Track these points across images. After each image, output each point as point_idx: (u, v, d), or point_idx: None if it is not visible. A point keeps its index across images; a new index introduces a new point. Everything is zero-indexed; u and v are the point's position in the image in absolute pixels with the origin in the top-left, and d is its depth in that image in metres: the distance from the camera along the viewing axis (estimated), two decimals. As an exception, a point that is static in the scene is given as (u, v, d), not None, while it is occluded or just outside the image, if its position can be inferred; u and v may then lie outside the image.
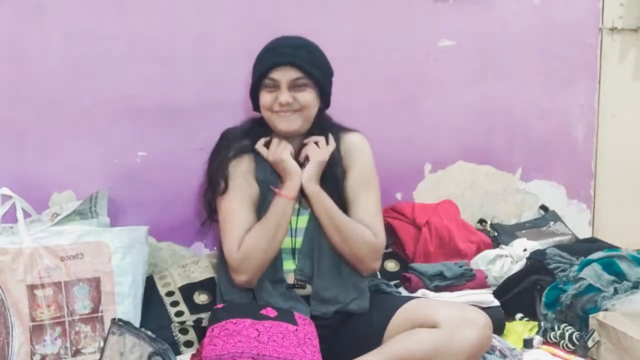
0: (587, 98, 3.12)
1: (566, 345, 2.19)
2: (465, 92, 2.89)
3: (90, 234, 2.16)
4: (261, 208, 2.01)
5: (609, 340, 2.12)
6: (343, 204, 2.03)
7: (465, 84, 2.88)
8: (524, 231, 2.92)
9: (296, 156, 2.02)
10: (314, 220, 2.02)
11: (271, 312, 1.86)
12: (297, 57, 1.97)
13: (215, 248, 2.52)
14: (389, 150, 2.61)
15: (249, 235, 1.95)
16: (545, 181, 3.11)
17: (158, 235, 2.45)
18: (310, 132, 2.04)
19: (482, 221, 2.96)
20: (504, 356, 2.07)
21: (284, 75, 1.96)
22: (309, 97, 1.99)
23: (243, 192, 2.01)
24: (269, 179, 2.03)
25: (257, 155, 2.04)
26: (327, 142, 2.03)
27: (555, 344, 2.22)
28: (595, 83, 3.13)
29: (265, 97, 1.99)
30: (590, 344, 2.14)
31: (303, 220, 2.03)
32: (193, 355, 1.95)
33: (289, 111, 1.98)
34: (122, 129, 2.38)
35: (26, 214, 2.21)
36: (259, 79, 1.99)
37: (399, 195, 2.82)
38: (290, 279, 2.03)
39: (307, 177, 1.97)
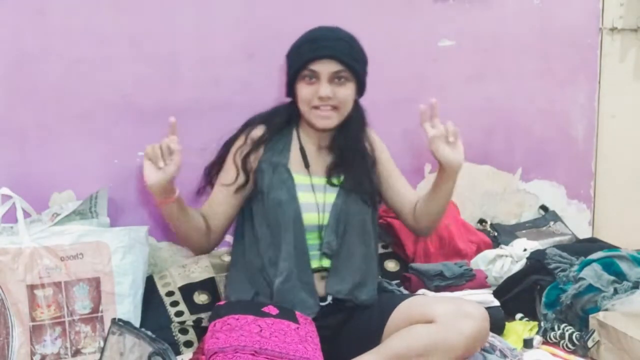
0: (587, 98, 3.12)
1: (566, 345, 2.19)
2: (465, 92, 2.89)
3: (90, 234, 2.16)
4: (270, 188, 2.02)
5: (609, 340, 2.12)
6: (373, 187, 2.10)
7: (465, 84, 2.88)
8: (524, 231, 2.92)
9: (328, 146, 2.08)
10: (342, 196, 2.05)
11: (273, 310, 1.87)
12: (337, 50, 1.98)
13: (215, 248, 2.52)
14: (389, 150, 2.61)
15: None
16: (545, 181, 3.11)
17: (158, 235, 2.45)
18: (345, 122, 2.07)
19: (482, 221, 2.96)
20: (504, 356, 2.07)
21: (325, 67, 1.97)
22: (347, 92, 2.01)
23: (228, 175, 2.05)
24: (277, 160, 2.05)
25: (269, 141, 2.06)
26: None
27: (555, 344, 2.22)
28: (595, 83, 3.13)
29: (304, 91, 1.99)
30: (590, 344, 2.14)
31: (331, 197, 2.05)
32: (194, 353, 1.95)
33: (327, 108, 1.99)
34: (122, 129, 2.38)
35: (26, 214, 2.21)
36: (297, 71, 1.98)
37: (399, 195, 2.82)
38: (316, 263, 2.03)
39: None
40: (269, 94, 2.37)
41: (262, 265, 2.01)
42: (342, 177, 2.07)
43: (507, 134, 3.01)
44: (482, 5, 2.87)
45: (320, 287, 2.02)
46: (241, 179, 2.04)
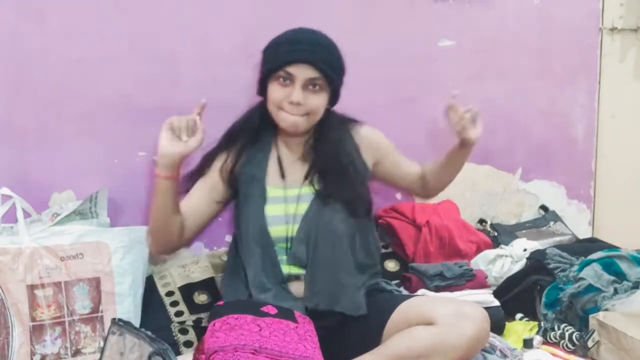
0: (587, 98, 3.12)
1: (566, 345, 2.19)
2: (465, 92, 2.87)
3: (90, 234, 2.16)
4: (247, 199, 2.01)
5: (609, 340, 2.12)
6: (356, 194, 2.04)
7: (465, 84, 2.88)
8: (524, 231, 2.92)
9: (305, 154, 2.05)
10: (316, 206, 2.01)
11: (272, 309, 1.87)
12: (316, 57, 1.93)
13: (215, 248, 2.52)
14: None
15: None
16: (545, 181, 3.11)
17: (158, 235, 2.44)
18: (316, 129, 2.04)
19: (482, 221, 2.96)
20: (505, 356, 2.07)
21: (301, 72, 1.92)
22: (319, 102, 1.97)
23: (208, 181, 2.04)
24: (255, 173, 2.03)
25: (249, 149, 2.05)
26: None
27: (555, 344, 2.22)
28: (595, 83, 3.13)
29: (276, 92, 1.95)
30: (590, 344, 2.14)
31: (302, 208, 2.02)
32: (194, 354, 1.95)
33: (296, 113, 1.95)
34: (122, 129, 2.38)
35: (26, 214, 2.21)
36: (272, 70, 1.95)
37: (399, 195, 2.82)
38: (286, 270, 2.01)
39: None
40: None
41: (246, 272, 2.01)
42: (318, 186, 2.03)
43: (507, 134, 3.01)
44: (482, 5, 2.88)
45: (299, 290, 2.01)
46: (228, 192, 2.05)
